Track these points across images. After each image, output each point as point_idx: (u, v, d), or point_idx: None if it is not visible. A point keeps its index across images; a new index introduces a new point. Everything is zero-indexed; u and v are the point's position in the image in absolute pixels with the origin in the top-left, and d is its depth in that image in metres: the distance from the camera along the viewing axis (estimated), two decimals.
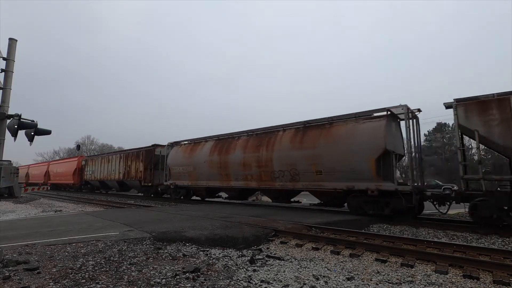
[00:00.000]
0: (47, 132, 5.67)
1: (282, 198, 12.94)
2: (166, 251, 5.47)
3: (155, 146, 20.57)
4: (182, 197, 17.33)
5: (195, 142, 16.61)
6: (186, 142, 17.46)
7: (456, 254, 5.22)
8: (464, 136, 9.61)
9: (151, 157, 20.18)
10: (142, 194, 22.62)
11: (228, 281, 3.96)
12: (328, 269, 4.61)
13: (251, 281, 3.99)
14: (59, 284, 3.67)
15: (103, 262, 4.61)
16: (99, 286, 3.66)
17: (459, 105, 8.60)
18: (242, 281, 3.95)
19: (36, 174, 38.82)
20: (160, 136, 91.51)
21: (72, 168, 29.83)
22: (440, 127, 39.37)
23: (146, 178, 20.08)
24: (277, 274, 4.33)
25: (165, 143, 19.86)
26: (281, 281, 4.00)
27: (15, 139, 5.08)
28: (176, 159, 17.02)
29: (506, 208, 7.67)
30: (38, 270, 4.15)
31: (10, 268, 4.19)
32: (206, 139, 16.12)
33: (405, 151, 10.24)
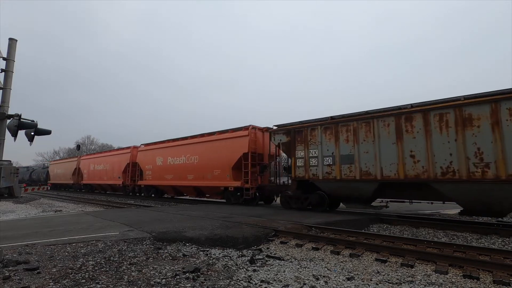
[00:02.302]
0: (47, 132, 5.68)
1: None
2: (166, 251, 5.47)
3: None
4: None
5: None
6: None
7: (456, 254, 5.22)
8: None
9: None
10: None
11: (228, 281, 3.96)
12: (328, 269, 4.61)
13: (251, 281, 3.99)
14: (59, 284, 3.67)
15: (103, 262, 4.61)
16: (99, 286, 3.66)
17: None
18: (242, 281, 3.95)
19: (99, 170, 25.16)
20: (160, 135, 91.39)
21: (235, 154, 13.78)
22: None
23: None
24: (277, 274, 4.33)
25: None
26: (281, 281, 4.00)
27: (15, 139, 5.09)
28: None
29: None
30: (38, 270, 4.15)
31: (10, 268, 4.19)
32: None
33: None
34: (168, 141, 18.67)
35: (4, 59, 5.18)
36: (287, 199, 11.81)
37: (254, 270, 4.48)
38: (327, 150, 10.53)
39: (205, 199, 17.30)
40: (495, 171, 7.27)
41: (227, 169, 14.18)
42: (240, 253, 5.58)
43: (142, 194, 21.35)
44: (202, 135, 16.47)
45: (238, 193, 13.92)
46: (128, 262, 4.66)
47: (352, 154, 9.86)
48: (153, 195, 20.02)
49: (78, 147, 38.80)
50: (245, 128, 14.11)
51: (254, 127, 13.93)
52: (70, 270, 4.19)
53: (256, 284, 3.89)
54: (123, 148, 23.65)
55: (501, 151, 7.21)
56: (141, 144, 21.38)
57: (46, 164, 39.82)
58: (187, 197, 18.97)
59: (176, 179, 17.06)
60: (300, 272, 4.45)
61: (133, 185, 21.16)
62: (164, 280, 3.92)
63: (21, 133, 5.22)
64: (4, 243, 5.65)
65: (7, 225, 8.39)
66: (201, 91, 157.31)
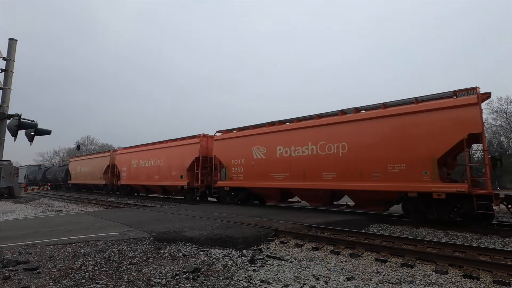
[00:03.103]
0: (47, 132, 5.67)
1: None
2: (166, 251, 5.47)
3: None
4: None
5: None
6: None
7: (456, 254, 5.22)
8: None
9: None
10: None
11: (228, 281, 3.96)
12: (328, 269, 4.61)
13: (251, 281, 3.99)
14: (59, 284, 3.67)
15: (103, 262, 4.61)
16: (99, 286, 3.66)
17: None
18: (242, 281, 3.95)
19: (147, 167, 19.18)
20: (161, 135, 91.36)
21: (445, 137, 7.83)
22: None
23: None
24: (277, 274, 4.33)
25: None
26: (281, 281, 4.00)
27: (15, 139, 5.09)
28: None
29: None
30: (38, 270, 4.15)
31: (10, 268, 4.19)
32: None
33: None
34: (271, 124, 12.56)
35: (4, 59, 5.18)
36: None
37: (254, 270, 4.48)
38: None
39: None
40: None
41: (426, 164, 8.18)
42: (240, 253, 5.58)
43: (215, 199, 15.16)
44: (343, 112, 10.32)
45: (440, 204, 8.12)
46: (128, 262, 4.65)
47: None
48: (239, 202, 13.51)
49: (78, 147, 38.80)
50: (458, 91, 8.12)
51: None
52: (70, 270, 4.19)
53: (256, 284, 3.89)
54: (185, 138, 16.98)
55: None
56: (217, 132, 15.15)
57: (65, 161, 34.33)
58: (306, 206, 12.10)
59: (292, 178, 11.09)
60: (300, 272, 4.45)
61: (205, 187, 15.31)
62: (164, 280, 3.92)
63: (21, 133, 5.22)
64: (4, 243, 5.65)
65: (7, 225, 8.39)
66: (201, 91, 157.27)
